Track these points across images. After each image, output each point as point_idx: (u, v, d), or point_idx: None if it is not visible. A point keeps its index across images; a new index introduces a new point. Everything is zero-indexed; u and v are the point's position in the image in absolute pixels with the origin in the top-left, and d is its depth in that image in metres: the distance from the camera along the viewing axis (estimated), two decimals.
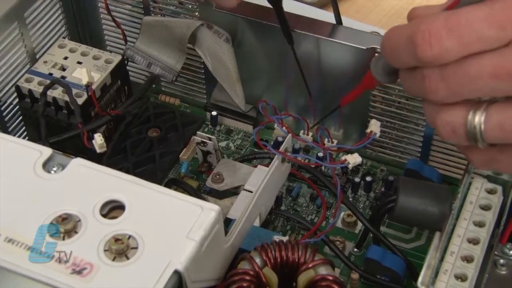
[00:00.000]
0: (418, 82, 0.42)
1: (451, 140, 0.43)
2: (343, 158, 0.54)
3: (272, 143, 0.64)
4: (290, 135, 0.57)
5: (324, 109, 0.63)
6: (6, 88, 0.62)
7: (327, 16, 0.62)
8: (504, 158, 0.42)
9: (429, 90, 0.41)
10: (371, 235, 0.56)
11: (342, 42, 0.58)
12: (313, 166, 0.60)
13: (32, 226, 0.42)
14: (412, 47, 0.40)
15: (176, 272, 0.40)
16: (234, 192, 0.59)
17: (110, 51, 0.66)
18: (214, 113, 0.67)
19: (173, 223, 0.42)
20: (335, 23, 0.60)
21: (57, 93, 0.60)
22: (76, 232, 0.42)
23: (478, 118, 0.40)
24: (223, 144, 0.66)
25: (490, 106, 0.40)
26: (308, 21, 0.60)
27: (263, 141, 0.58)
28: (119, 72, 0.64)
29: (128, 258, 0.41)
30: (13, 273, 0.40)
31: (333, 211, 0.60)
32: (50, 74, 0.62)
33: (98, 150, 0.55)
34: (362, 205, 0.61)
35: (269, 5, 0.58)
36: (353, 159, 0.54)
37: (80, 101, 0.60)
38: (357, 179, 0.62)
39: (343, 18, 0.60)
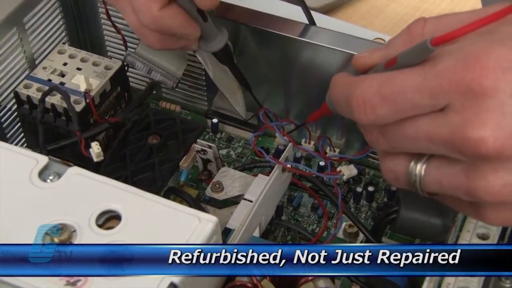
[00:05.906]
0: (362, 131, 0.43)
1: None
2: (338, 169, 0.54)
3: (273, 151, 0.63)
4: (291, 143, 0.56)
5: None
6: (5, 94, 0.62)
7: (332, 22, 0.62)
8: (444, 202, 0.44)
9: (371, 142, 0.42)
10: None
11: (343, 50, 0.57)
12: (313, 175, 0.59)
13: (27, 235, 0.41)
14: (349, 109, 0.41)
15: (172, 285, 0.40)
16: (234, 201, 0.58)
17: (111, 57, 0.66)
18: (215, 120, 0.67)
19: (170, 234, 0.42)
20: (320, 26, 0.60)
21: (55, 99, 0.60)
22: (71, 243, 0.41)
23: (418, 170, 0.41)
24: (223, 152, 0.65)
25: (430, 160, 0.41)
26: (308, 28, 0.59)
27: (264, 149, 0.58)
28: (119, 78, 0.64)
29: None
30: (6, 284, 0.40)
31: (335, 221, 0.59)
32: (49, 80, 0.62)
33: (94, 159, 0.55)
34: (364, 216, 0.60)
35: (271, 12, 0.58)
36: (348, 171, 0.54)
37: (78, 108, 0.59)
38: (359, 189, 0.61)
39: (347, 24, 0.60)
